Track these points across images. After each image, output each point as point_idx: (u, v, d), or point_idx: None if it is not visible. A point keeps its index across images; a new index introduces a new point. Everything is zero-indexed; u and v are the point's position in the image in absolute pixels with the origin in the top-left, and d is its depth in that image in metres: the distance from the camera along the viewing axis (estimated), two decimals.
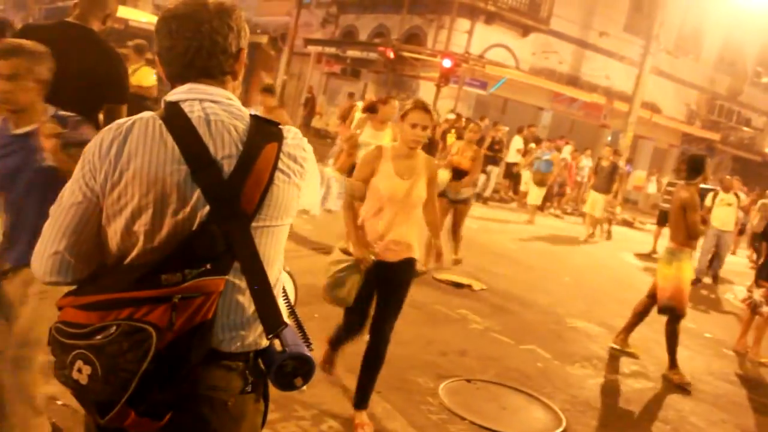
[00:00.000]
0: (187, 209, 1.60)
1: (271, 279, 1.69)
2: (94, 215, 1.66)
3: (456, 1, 20.80)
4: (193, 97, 1.69)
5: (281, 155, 1.68)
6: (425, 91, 21.00)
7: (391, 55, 21.01)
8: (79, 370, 1.49)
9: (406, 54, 21.37)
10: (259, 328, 1.68)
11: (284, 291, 1.84)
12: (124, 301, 1.50)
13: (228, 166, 1.62)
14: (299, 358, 1.67)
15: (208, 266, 1.55)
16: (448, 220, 8.12)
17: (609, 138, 24.13)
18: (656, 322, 8.48)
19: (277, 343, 1.68)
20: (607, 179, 14.18)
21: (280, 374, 1.67)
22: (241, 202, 1.61)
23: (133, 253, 1.64)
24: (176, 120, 1.65)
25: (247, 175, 1.62)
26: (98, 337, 1.48)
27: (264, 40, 29.36)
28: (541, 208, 16.19)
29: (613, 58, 24.06)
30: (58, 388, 3.62)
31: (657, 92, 24.17)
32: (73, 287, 1.66)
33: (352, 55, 23.85)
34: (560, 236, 14.18)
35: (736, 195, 12.43)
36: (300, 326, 1.79)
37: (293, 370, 1.67)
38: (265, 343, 1.70)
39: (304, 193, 1.79)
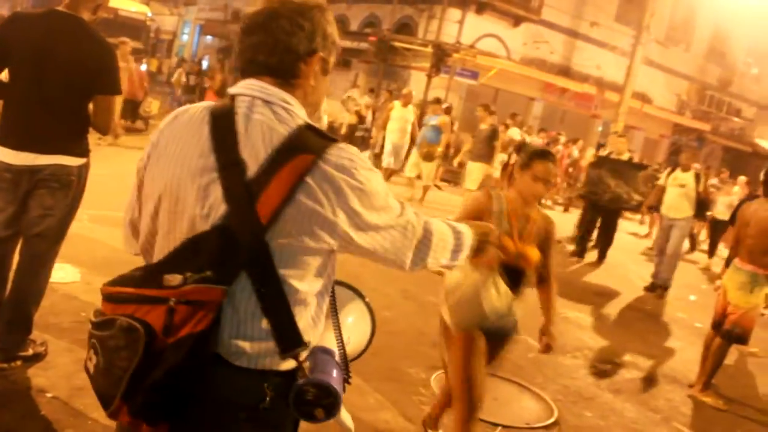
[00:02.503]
0: (205, 207, 1.55)
1: (295, 297, 1.58)
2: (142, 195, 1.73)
3: None
4: (248, 93, 1.64)
5: (314, 169, 1.54)
6: (416, 81, 20.97)
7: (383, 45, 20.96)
8: (90, 360, 1.52)
9: (397, 44, 21.31)
10: (273, 346, 1.58)
11: (336, 318, 1.74)
12: (130, 297, 1.48)
13: (252, 169, 1.54)
14: (321, 387, 1.56)
15: (209, 273, 1.46)
16: None
17: (600, 128, 24.19)
18: (647, 312, 8.53)
19: (306, 365, 1.59)
20: (485, 145, 11.88)
21: (299, 400, 1.56)
22: (257, 209, 1.51)
23: (158, 245, 1.65)
24: (221, 113, 1.62)
25: (267, 181, 1.52)
26: (106, 329, 1.48)
27: None
28: (438, 186, 14.84)
29: (604, 48, 24.08)
30: (47, 380, 3.62)
31: (648, 82, 24.21)
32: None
33: (343, 45, 23.66)
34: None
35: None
36: (345, 359, 1.70)
37: (315, 399, 1.56)
38: (286, 364, 1.60)
39: (354, 222, 1.59)
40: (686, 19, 26.08)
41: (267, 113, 1.60)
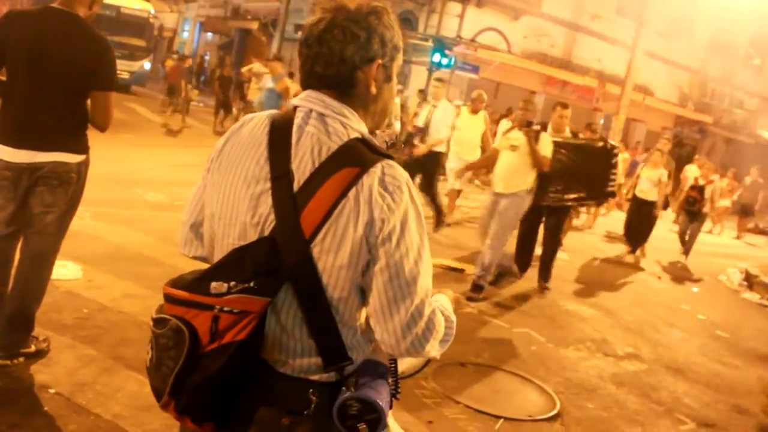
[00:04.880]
0: (256, 217, 1.57)
1: (339, 312, 1.57)
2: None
3: None
4: (306, 105, 1.63)
5: (357, 183, 1.51)
6: (417, 75, 20.95)
7: None
8: (148, 353, 1.55)
9: None
10: (316, 359, 1.58)
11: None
12: (181, 300, 1.51)
13: (299, 182, 1.54)
14: (365, 402, 1.54)
15: (252, 284, 1.47)
16: None
17: (602, 121, 24.15)
18: (650, 304, 8.53)
19: (351, 380, 1.58)
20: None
21: (342, 414, 1.55)
22: (301, 222, 1.51)
23: (215, 249, 1.67)
24: (280, 124, 1.63)
25: (312, 194, 1.52)
26: (160, 326, 1.52)
27: (255, 26, 29.25)
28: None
29: (605, 41, 24.04)
30: (50, 377, 3.64)
31: (649, 75, 24.15)
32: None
33: None
34: None
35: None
36: (396, 375, 1.70)
37: (359, 414, 1.54)
38: (332, 376, 1.59)
39: (374, 253, 1.54)
40: (688, 11, 25.97)
41: (319, 125, 1.59)
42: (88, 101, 3.65)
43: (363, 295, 1.59)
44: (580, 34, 24.38)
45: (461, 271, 7.73)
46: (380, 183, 1.53)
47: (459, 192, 10.98)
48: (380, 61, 1.65)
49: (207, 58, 36.40)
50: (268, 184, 1.56)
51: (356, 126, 1.62)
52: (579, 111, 24.44)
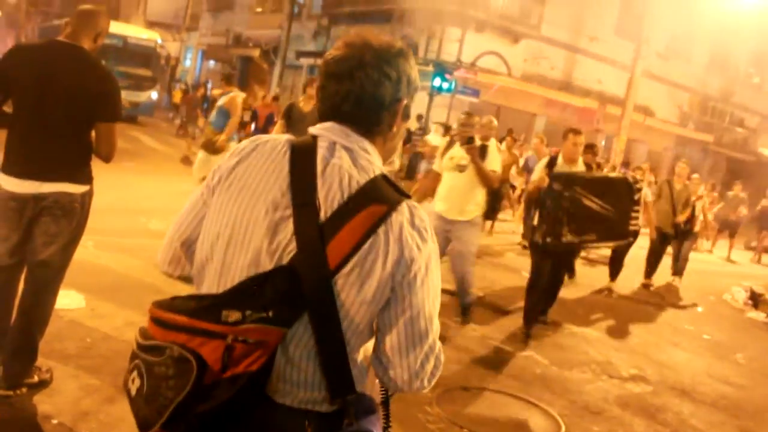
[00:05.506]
0: (274, 243, 1.54)
1: (350, 345, 1.56)
2: (204, 214, 1.69)
3: (446, 10, 20.87)
4: (329, 136, 1.63)
5: (387, 220, 1.53)
6: (418, 100, 21.03)
7: None
8: (132, 381, 1.48)
9: None
10: (322, 391, 1.56)
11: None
12: (183, 326, 1.45)
13: (326, 213, 1.52)
14: None
15: (270, 313, 1.44)
16: None
17: (603, 142, 24.20)
18: (654, 325, 8.51)
19: (350, 412, 1.58)
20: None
21: None
22: (327, 253, 1.50)
23: (213, 272, 1.61)
24: (302, 151, 1.61)
25: (340, 227, 1.51)
26: (154, 354, 1.45)
27: (256, 53, 29.46)
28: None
29: (604, 62, 24.18)
30: (53, 407, 3.64)
31: (649, 95, 24.25)
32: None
33: None
34: None
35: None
36: (387, 406, 1.71)
37: None
38: (327, 407, 1.58)
39: (399, 292, 1.56)
40: (686, 30, 26.12)
41: (346, 159, 1.59)
42: (92, 132, 3.69)
43: (372, 329, 1.61)
44: (580, 56, 24.54)
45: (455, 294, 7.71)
46: (410, 223, 1.56)
47: None
48: (405, 102, 1.68)
49: (209, 85, 36.63)
50: (290, 211, 1.54)
51: (378, 163, 1.64)
52: None
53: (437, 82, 19.22)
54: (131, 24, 29.65)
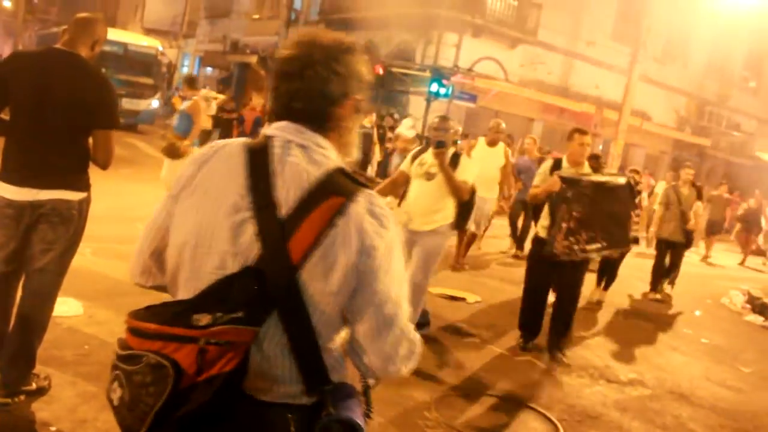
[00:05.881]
0: (237, 246, 1.57)
1: (321, 337, 1.60)
2: (169, 225, 1.71)
3: (443, 15, 20.92)
4: (282, 135, 1.67)
5: (344, 212, 1.57)
6: (415, 105, 21.08)
7: (381, 71, 21.09)
8: (114, 391, 1.50)
9: (395, 69, 21.45)
10: (299, 385, 1.60)
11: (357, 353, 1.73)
12: (157, 334, 1.48)
13: (285, 211, 1.56)
14: (346, 424, 1.59)
15: (240, 314, 1.47)
16: None
17: (600, 147, 24.25)
18: (652, 328, 8.51)
19: (329, 403, 1.61)
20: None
21: None
22: (289, 249, 1.54)
23: (184, 278, 1.64)
24: (258, 152, 1.64)
25: (299, 223, 1.55)
26: (132, 363, 1.47)
27: (253, 60, 29.50)
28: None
29: (601, 67, 24.23)
30: (51, 414, 3.63)
31: (646, 100, 24.30)
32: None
33: None
34: None
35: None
36: (367, 394, 1.73)
37: None
38: (309, 399, 1.62)
39: (366, 279, 1.59)
40: (682, 35, 26.23)
41: (301, 156, 1.63)
42: (90, 139, 3.70)
43: (344, 318, 1.64)
44: (577, 60, 24.60)
45: (462, 299, 7.74)
46: (369, 212, 1.60)
47: (474, 235, 9.80)
48: (356, 97, 1.72)
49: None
50: (250, 213, 1.58)
51: (334, 157, 1.68)
52: None
53: (434, 87, 19.23)
54: (128, 30, 29.62)
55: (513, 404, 5.07)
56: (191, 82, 10.38)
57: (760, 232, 19.24)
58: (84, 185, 3.75)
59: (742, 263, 17.63)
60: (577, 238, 5.80)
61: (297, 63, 1.66)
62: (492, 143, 9.42)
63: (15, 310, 3.74)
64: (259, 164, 1.62)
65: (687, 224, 9.91)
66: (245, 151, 1.65)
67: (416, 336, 1.71)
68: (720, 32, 24.41)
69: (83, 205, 3.74)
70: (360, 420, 1.62)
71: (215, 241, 1.59)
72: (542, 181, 6.27)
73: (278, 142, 1.66)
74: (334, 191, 1.59)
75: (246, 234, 1.57)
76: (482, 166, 8.47)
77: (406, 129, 12.53)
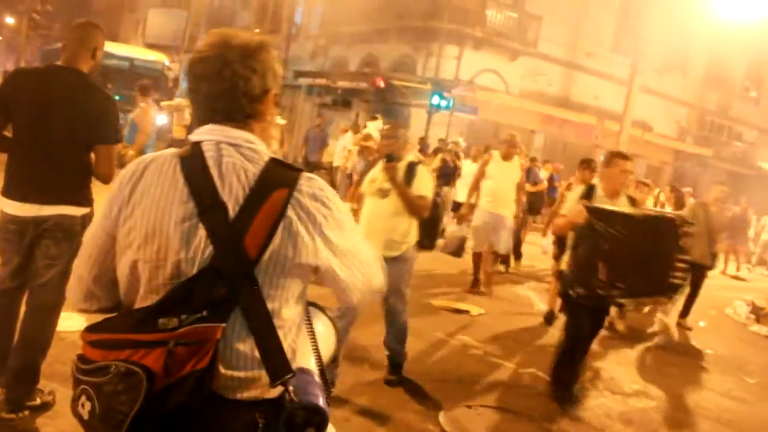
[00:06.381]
0: (190, 251, 1.60)
1: (280, 326, 1.65)
2: (110, 248, 1.71)
3: (444, 28, 20.99)
4: (212, 138, 1.70)
5: (292, 201, 1.64)
6: (416, 118, 21.12)
7: (382, 84, 21.14)
8: (83, 405, 1.51)
9: (396, 82, 21.51)
10: (263, 376, 1.63)
11: (314, 338, 1.80)
12: (123, 342, 1.51)
13: (234, 209, 1.61)
14: (309, 409, 1.64)
15: (204, 313, 1.52)
16: None
17: (602, 157, 24.25)
18: (658, 340, 8.48)
19: (290, 391, 1.65)
20: None
21: (290, 425, 1.64)
22: (245, 246, 1.59)
23: (137, 291, 1.66)
24: (191, 159, 1.67)
25: (251, 219, 1.60)
26: (99, 375, 1.49)
27: None
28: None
29: (601, 78, 24.29)
30: (55, 429, 3.62)
31: (647, 110, 24.31)
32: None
33: (342, 86, 24.00)
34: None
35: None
36: (324, 374, 1.77)
37: (305, 421, 1.64)
38: (273, 392, 1.65)
39: (330, 248, 1.70)
40: (682, 45, 26.26)
41: (236, 154, 1.68)
42: (92, 154, 3.71)
43: (298, 301, 1.73)
44: (577, 72, 24.66)
45: (466, 312, 7.72)
46: (311, 197, 1.69)
47: (495, 255, 9.20)
48: (274, 91, 1.77)
49: None
50: (197, 218, 1.61)
51: (264, 150, 1.73)
52: (580, 149, 24.61)
53: (435, 100, 19.28)
54: (131, 44, 29.68)
55: (517, 416, 5.05)
56: (143, 90, 10.30)
57: (747, 240, 19.33)
58: (86, 200, 3.76)
59: (723, 272, 16.67)
60: (601, 281, 4.83)
61: (214, 64, 1.70)
62: (507, 157, 8.80)
63: (19, 325, 3.74)
64: (197, 170, 1.65)
65: (714, 246, 9.14)
66: (178, 161, 1.67)
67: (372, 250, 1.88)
68: (720, 42, 24.44)
69: (86, 220, 3.75)
70: (323, 403, 1.66)
71: (168, 252, 1.61)
72: (571, 210, 5.34)
73: (209, 146, 1.69)
74: (278, 183, 1.65)
75: (197, 238, 1.60)
76: (497, 182, 8.57)
77: (375, 129, 12.28)
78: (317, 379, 1.73)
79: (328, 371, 1.81)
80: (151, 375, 1.46)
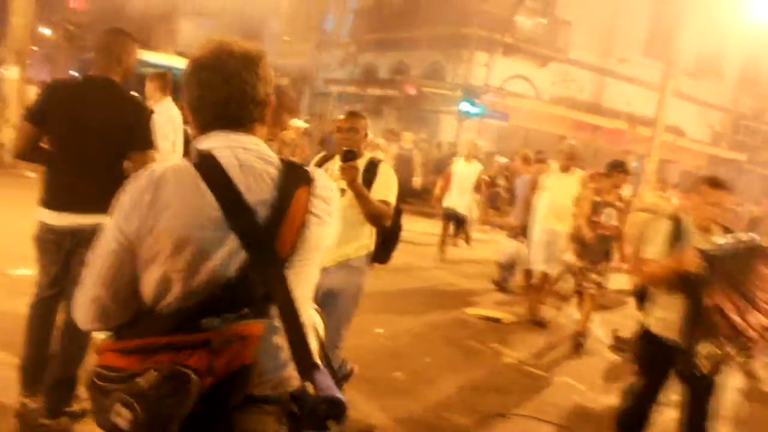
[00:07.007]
0: (224, 256, 1.63)
1: (304, 319, 1.71)
2: (128, 262, 1.68)
3: (474, 35, 20.96)
4: (224, 145, 1.72)
5: (312, 198, 1.73)
6: (446, 125, 21.10)
7: (413, 91, 21.15)
8: (118, 415, 1.49)
9: (426, 89, 21.52)
10: (291, 370, 1.68)
11: (316, 330, 1.85)
12: (163, 346, 1.52)
13: (262, 212, 1.66)
14: (332, 402, 1.67)
15: (247, 311, 1.58)
16: None
17: (635, 164, 24.03)
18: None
19: (309, 385, 1.68)
20: None
21: (313, 417, 1.67)
22: (278, 245, 1.65)
23: (169, 299, 1.65)
24: (210, 167, 1.68)
25: (281, 219, 1.66)
26: (138, 381, 1.48)
27: (285, 82, 29.77)
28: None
29: (633, 83, 24.06)
30: None
31: (680, 115, 24.05)
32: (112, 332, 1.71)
33: (373, 93, 24.07)
34: None
35: None
36: (330, 366, 1.81)
37: (326, 413, 1.68)
38: (296, 385, 1.70)
39: (331, 232, 1.83)
40: (715, 49, 25.94)
41: (252, 158, 1.72)
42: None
43: (310, 296, 1.83)
44: (608, 77, 24.45)
45: (498, 320, 7.67)
46: (325, 189, 1.79)
47: (546, 277, 8.21)
48: (272, 96, 1.81)
49: None
50: (228, 223, 1.63)
51: (269, 150, 1.77)
52: (611, 154, 24.34)
53: (465, 106, 19.25)
54: (160, 51, 30.00)
55: (551, 426, 5.00)
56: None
57: None
58: None
59: None
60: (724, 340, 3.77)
61: (220, 73, 1.73)
62: (565, 169, 8.04)
63: (56, 333, 3.78)
64: (217, 177, 1.67)
65: None
66: (195, 170, 1.68)
67: None
68: (754, 45, 24.10)
69: None
70: (340, 394, 1.70)
71: (201, 260, 1.62)
72: (661, 253, 3.97)
73: (222, 152, 1.71)
74: (298, 182, 1.73)
75: (229, 243, 1.63)
76: (554, 195, 7.92)
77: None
78: (325, 371, 1.77)
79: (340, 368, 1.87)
80: (197, 375, 1.49)
